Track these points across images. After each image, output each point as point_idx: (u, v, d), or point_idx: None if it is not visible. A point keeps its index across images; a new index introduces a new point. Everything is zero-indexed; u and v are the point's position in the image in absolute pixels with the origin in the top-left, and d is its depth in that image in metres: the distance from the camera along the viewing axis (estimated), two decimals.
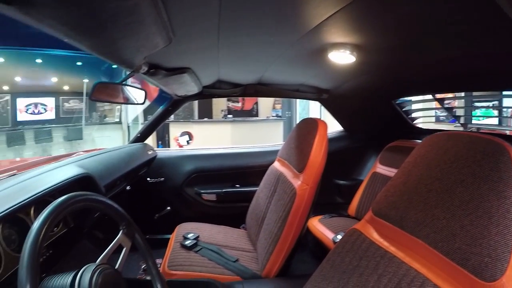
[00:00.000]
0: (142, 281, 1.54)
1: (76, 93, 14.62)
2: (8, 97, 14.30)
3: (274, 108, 9.22)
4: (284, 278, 1.51)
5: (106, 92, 1.55)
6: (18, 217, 1.07)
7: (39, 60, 13.02)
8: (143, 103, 1.77)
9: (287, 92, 2.16)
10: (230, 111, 10.38)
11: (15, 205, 0.95)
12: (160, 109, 2.37)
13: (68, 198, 0.83)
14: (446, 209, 0.70)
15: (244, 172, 2.46)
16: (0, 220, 0.93)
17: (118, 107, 13.34)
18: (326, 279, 0.95)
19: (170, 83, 1.67)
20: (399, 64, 1.50)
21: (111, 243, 0.93)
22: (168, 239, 1.88)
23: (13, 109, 13.96)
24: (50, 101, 14.41)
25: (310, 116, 1.95)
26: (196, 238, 1.80)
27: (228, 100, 10.59)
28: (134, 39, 0.99)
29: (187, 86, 1.82)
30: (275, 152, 1.98)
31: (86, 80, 13.78)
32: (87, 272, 0.79)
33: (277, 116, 9.01)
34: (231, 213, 2.42)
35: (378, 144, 2.33)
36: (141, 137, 2.43)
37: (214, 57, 1.43)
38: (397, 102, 2.26)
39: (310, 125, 1.55)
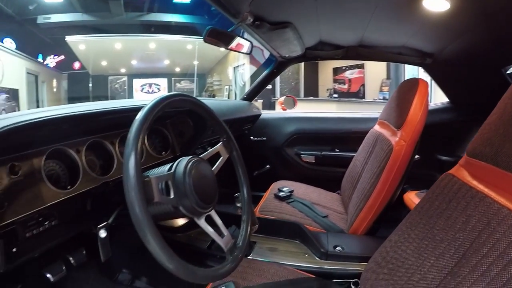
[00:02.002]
0: (232, 214, 1.71)
1: (186, 75, 15.77)
2: (125, 78, 16.05)
3: (381, 90, 8.89)
4: (370, 237, 1.55)
5: (217, 37, 1.72)
6: (104, 146, 1.24)
7: (152, 45, 14.26)
8: (249, 53, 1.92)
9: (389, 55, 2.13)
10: (336, 92, 10.27)
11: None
12: (265, 72, 2.56)
13: (174, 94, 0.94)
14: None
15: (343, 136, 2.50)
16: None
17: (226, 86, 14.03)
18: (412, 225, 0.97)
19: (274, 39, 1.79)
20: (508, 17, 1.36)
21: None
22: (262, 196, 2.03)
23: (129, 89, 15.64)
24: (163, 82, 15.80)
25: None
26: (290, 192, 1.93)
27: (335, 81, 10.47)
28: None
29: (290, 44, 1.93)
30: (376, 120, 1.99)
31: (196, 62, 14.76)
32: (183, 161, 0.90)
33: (384, 99, 8.64)
34: (328, 177, 2.48)
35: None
36: (248, 98, 2.69)
37: (313, 11, 1.49)
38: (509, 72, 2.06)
39: (411, 84, 1.53)
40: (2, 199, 0.83)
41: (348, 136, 2.47)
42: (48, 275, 1.03)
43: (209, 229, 0.88)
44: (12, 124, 0.82)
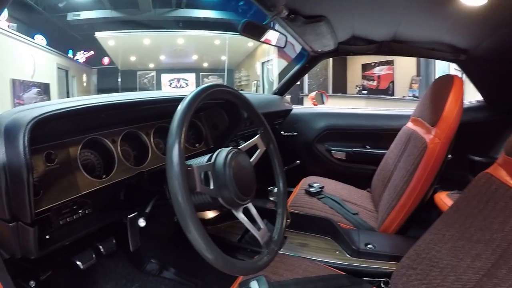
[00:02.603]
0: (266, 208, 1.73)
1: (214, 70, 15.91)
2: (153, 73, 16.34)
3: (411, 87, 8.70)
4: (401, 236, 1.53)
5: (252, 30, 1.73)
6: (138, 136, 1.27)
7: (180, 41, 14.43)
8: (284, 47, 1.93)
9: (422, 51, 2.08)
10: (365, 88, 10.14)
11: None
12: (297, 66, 2.56)
13: (216, 85, 0.95)
14: None
15: (375, 133, 2.47)
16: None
17: (254, 82, 14.06)
18: (447, 225, 0.96)
19: (307, 32, 1.80)
20: None
21: None
22: (292, 192, 2.04)
23: (158, 83, 15.92)
24: (191, 77, 16.00)
25: None
26: (321, 188, 1.94)
27: (363, 78, 10.32)
28: None
29: (323, 38, 1.92)
30: (408, 117, 1.95)
31: (224, 58, 14.88)
32: (222, 152, 0.90)
33: (413, 96, 8.47)
34: (358, 174, 2.47)
35: None
36: (279, 92, 2.69)
37: (347, 5, 1.49)
38: None
39: (446, 81, 1.50)
40: (38, 187, 0.87)
41: (379, 133, 2.44)
42: (78, 263, 1.06)
43: (246, 221, 0.89)
44: (50, 112, 0.84)
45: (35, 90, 9.91)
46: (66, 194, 0.94)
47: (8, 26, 8.90)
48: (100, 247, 1.14)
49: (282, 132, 2.70)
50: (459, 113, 1.42)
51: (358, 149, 2.50)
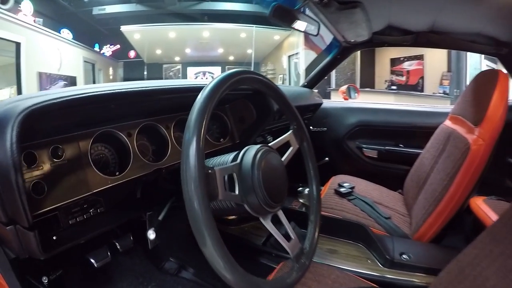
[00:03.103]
0: (297, 211, 1.64)
1: (240, 63, 15.96)
2: (179, 67, 16.52)
3: (441, 84, 8.40)
4: (437, 245, 1.42)
5: (282, 15, 1.66)
6: (157, 130, 1.19)
7: (206, 34, 14.48)
8: (316, 35, 1.83)
9: (461, 43, 1.93)
10: (393, 84, 9.91)
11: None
12: (328, 58, 2.45)
13: (243, 71, 0.84)
14: None
15: (409, 131, 2.33)
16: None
17: (281, 75, 14.00)
18: (496, 240, 0.84)
19: (341, 20, 1.69)
20: None
21: None
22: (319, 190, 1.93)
23: (184, 76, 16.10)
24: (217, 70, 16.09)
25: None
26: (352, 188, 1.84)
27: (392, 73, 10.10)
28: None
29: (357, 27, 1.81)
30: (446, 114, 1.83)
31: (250, 51, 14.85)
32: (250, 150, 0.81)
33: (444, 93, 8.20)
34: (390, 174, 2.35)
35: None
36: (309, 85, 2.59)
37: None
38: None
39: (490, 76, 1.39)
40: (42, 185, 0.81)
41: (414, 131, 2.30)
42: (92, 260, 1.00)
43: (275, 231, 0.81)
44: (45, 102, 0.75)
45: (61, 83, 10.16)
46: (74, 192, 0.88)
47: (34, 21, 9.12)
48: (117, 243, 1.08)
49: (311, 127, 2.59)
50: (505, 112, 1.31)
51: (390, 148, 2.36)
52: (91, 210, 0.93)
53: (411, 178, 1.87)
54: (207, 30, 14.66)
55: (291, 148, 0.99)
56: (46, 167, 0.83)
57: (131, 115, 1.09)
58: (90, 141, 0.94)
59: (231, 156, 0.84)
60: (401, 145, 2.35)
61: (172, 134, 1.21)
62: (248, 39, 14.37)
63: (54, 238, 0.83)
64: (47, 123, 0.82)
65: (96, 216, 0.95)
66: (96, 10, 13.11)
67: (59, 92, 0.83)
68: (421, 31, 1.92)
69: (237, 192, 0.76)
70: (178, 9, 13.64)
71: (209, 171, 0.68)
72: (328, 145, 2.57)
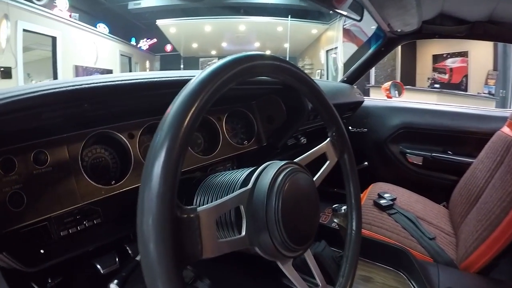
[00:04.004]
0: (327, 227, 1.46)
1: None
2: (216, 60, 16.59)
3: (486, 83, 7.93)
4: (488, 279, 1.22)
5: None
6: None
7: (242, 27, 14.44)
8: (359, 20, 1.65)
9: None
10: (435, 82, 9.51)
11: None
12: (370, 50, 2.22)
13: (257, 55, 0.59)
14: None
15: (460, 137, 2.07)
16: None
17: (318, 70, 13.81)
18: None
19: (387, 5, 1.49)
20: None
21: None
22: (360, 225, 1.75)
23: None
24: None
25: None
26: (393, 200, 1.65)
27: (434, 70, 9.70)
28: None
29: (405, 15, 1.61)
30: (504, 119, 1.61)
31: (287, 45, 14.69)
32: (269, 170, 0.60)
33: (489, 93, 7.75)
34: (435, 184, 2.12)
35: None
36: (348, 80, 2.36)
37: None
38: None
39: None
40: (21, 196, 0.69)
41: (466, 137, 2.05)
42: (98, 266, 0.89)
43: (296, 276, 0.62)
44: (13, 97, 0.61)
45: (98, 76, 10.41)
46: (61, 204, 0.75)
47: (70, 15, 9.34)
48: (128, 248, 0.96)
49: (350, 128, 2.39)
50: None
51: (438, 154, 2.11)
52: (85, 221, 0.80)
53: (460, 192, 1.67)
54: (243, 24, 14.56)
55: (327, 163, 0.78)
56: (27, 175, 0.71)
57: (136, 112, 0.93)
58: (81, 145, 0.80)
59: (242, 174, 0.65)
60: (449, 152, 2.11)
61: None
62: (285, 32, 14.08)
63: (42, 251, 0.73)
64: (27, 123, 0.68)
65: (92, 228, 0.82)
66: (132, 5, 13.30)
67: (38, 86, 0.67)
68: (478, 21, 1.70)
69: (243, 232, 0.54)
70: (214, 2, 13.61)
71: (188, 215, 0.44)
72: (368, 148, 2.36)
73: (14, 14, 6.80)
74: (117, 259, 0.92)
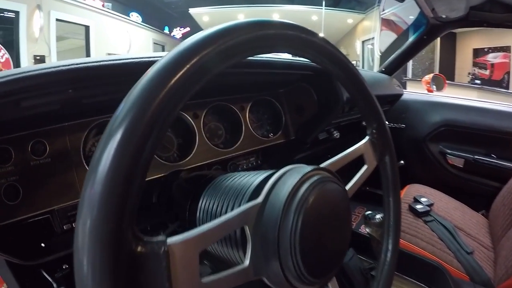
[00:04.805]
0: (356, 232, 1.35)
1: None
2: None
3: None
4: None
5: None
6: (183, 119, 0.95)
7: (276, 16, 14.32)
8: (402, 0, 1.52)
9: None
10: (476, 77, 9.13)
11: None
12: (411, 39, 2.05)
13: (268, 22, 0.45)
14: None
15: (506, 139, 1.85)
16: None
17: (354, 62, 13.67)
18: None
19: None
20: None
21: None
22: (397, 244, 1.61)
23: None
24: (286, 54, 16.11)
25: None
26: (430, 206, 1.52)
27: (474, 65, 9.33)
28: None
29: None
30: None
31: (321, 35, 14.51)
32: (291, 176, 0.46)
33: None
34: (475, 190, 1.94)
35: None
36: (387, 71, 2.20)
37: None
38: None
39: None
40: (17, 188, 0.65)
41: None
42: None
43: None
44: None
45: None
46: (59, 198, 0.70)
47: (103, 5, 9.55)
48: None
49: (387, 123, 2.20)
50: None
51: (480, 157, 1.91)
52: None
53: (503, 201, 1.51)
54: (276, 12, 14.40)
55: (364, 169, 0.62)
56: (23, 166, 0.67)
57: None
58: (83, 135, 0.74)
59: (254, 181, 0.52)
60: (493, 155, 1.90)
61: (202, 124, 0.97)
62: (319, 22, 13.84)
63: (43, 245, 0.69)
64: (33, 112, 0.64)
65: None
66: None
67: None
68: None
69: (247, 261, 0.41)
70: None
71: (152, 251, 0.31)
72: (405, 146, 2.17)
73: (47, 4, 6.99)
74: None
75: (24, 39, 6.47)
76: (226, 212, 0.52)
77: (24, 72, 0.56)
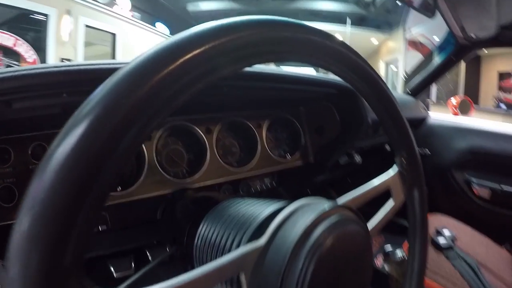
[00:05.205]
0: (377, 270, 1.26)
1: None
2: (273, 65, 17.06)
3: None
4: None
5: None
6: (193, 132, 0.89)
7: None
8: (431, 16, 1.46)
9: None
10: (501, 101, 8.98)
11: None
12: (439, 59, 1.95)
13: (301, 25, 0.40)
14: None
15: None
16: None
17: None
18: None
19: (463, 3, 1.27)
20: None
21: None
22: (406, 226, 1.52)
23: None
24: (310, 71, 16.24)
25: None
26: (453, 240, 1.43)
27: (500, 89, 9.21)
28: None
29: (482, 16, 1.38)
30: None
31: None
32: (304, 215, 0.39)
33: None
34: (499, 222, 1.80)
35: None
36: (412, 92, 2.09)
37: None
38: None
39: None
40: (13, 191, 0.64)
41: None
42: (112, 269, 0.77)
43: None
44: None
45: None
46: None
47: (132, 15, 9.88)
48: (148, 253, 0.82)
49: None
50: None
51: (509, 188, 1.75)
52: None
53: None
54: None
55: (391, 206, 0.53)
56: (22, 169, 0.65)
57: None
58: None
59: (261, 214, 0.45)
60: None
61: (214, 139, 0.91)
62: (344, 40, 14.03)
63: None
64: (36, 114, 0.62)
65: (97, 235, 0.74)
66: (191, 6, 14.00)
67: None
68: None
69: None
70: (272, 8, 13.71)
71: None
72: (428, 173, 2.04)
73: (77, 10, 7.19)
74: (133, 264, 0.79)
75: (52, 42, 6.63)
76: (224, 245, 0.47)
77: (12, 72, 0.54)
